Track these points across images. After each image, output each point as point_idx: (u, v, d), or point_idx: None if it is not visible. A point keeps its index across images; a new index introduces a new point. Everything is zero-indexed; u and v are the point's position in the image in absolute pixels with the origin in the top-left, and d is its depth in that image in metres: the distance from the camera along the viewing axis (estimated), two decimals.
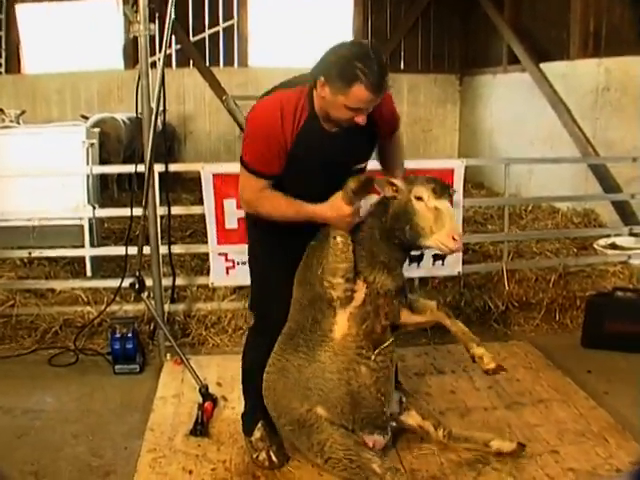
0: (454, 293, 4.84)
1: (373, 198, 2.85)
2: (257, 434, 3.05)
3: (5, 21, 9.99)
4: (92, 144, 5.15)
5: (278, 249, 2.97)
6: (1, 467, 2.94)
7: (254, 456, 3.01)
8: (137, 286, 3.92)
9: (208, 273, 4.63)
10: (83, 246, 4.93)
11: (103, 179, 6.80)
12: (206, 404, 3.44)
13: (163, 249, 4.36)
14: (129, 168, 4.56)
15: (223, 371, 3.99)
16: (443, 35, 10.89)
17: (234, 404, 3.56)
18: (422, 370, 4.02)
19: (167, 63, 9.36)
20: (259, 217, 2.89)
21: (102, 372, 4.10)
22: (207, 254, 4.62)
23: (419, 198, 2.64)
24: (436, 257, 4.67)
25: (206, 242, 4.56)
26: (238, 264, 4.51)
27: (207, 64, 10.48)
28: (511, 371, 3.98)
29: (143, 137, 3.92)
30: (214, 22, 10.48)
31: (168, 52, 4.54)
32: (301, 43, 10.42)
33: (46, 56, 10.30)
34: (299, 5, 10.66)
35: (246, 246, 4.43)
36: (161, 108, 3.89)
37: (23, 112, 7.73)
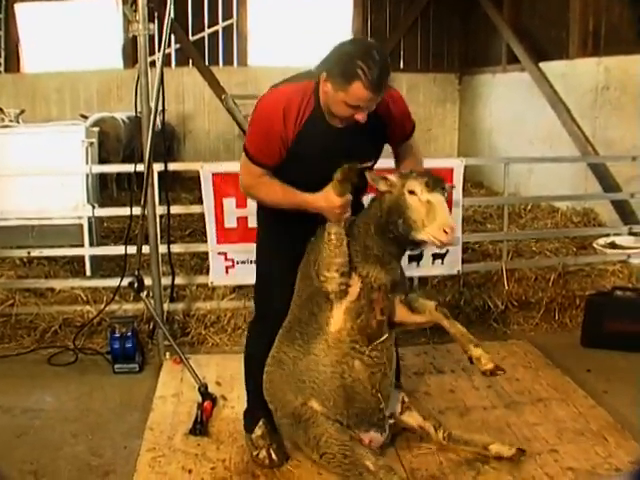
0: (453, 292, 4.84)
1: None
2: (258, 432, 3.06)
3: (4, 20, 9.98)
4: (91, 143, 5.15)
5: (284, 241, 3.00)
6: (0, 466, 2.94)
7: (254, 454, 3.02)
8: (136, 285, 3.92)
9: (207, 272, 4.63)
10: (82, 245, 4.93)
11: (102, 178, 6.80)
12: (205, 403, 3.44)
13: (162, 248, 4.37)
14: (128, 167, 4.56)
15: (222, 370, 3.99)
16: (442, 34, 10.89)
17: (233, 403, 3.57)
18: (421, 369, 4.02)
19: (166, 62, 9.37)
20: (268, 208, 2.95)
21: (101, 371, 4.10)
22: (206, 253, 4.62)
23: (412, 192, 2.64)
24: (435, 256, 4.68)
25: (205, 241, 4.56)
26: (237, 263, 4.51)
27: (206, 63, 10.47)
28: (510, 370, 3.98)
29: (142, 136, 3.93)
30: (213, 21, 10.48)
31: (167, 51, 4.54)
32: (300, 42, 10.42)
33: (45, 55, 10.29)
34: (298, 4, 10.66)
35: (245, 245, 4.46)
36: (160, 107, 3.89)
37: (22, 111, 7.73)
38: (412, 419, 3.06)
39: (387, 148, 3.01)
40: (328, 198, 2.68)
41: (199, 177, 4.41)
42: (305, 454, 2.94)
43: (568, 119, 7.37)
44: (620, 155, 6.36)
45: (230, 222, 4.46)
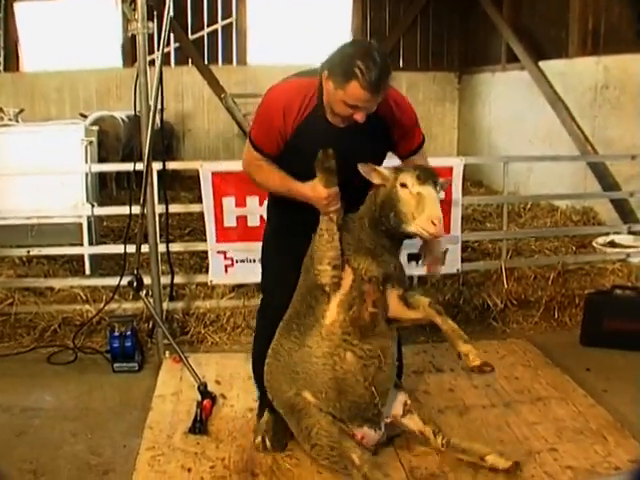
0: (453, 291, 4.84)
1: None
2: (264, 418, 3.16)
3: (4, 19, 9.98)
4: (91, 142, 5.15)
5: (288, 235, 3.05)
6: (0, 465, 2.93)
7: (253, 438, 3.11)
8: (135, 284, 3.92)
9: (207, 271, 4.63)
10: (82, 244, 4.94)
11: (102, 177, 6.80)
12: (205, 402, 3.44)
13: (162, 247, 4.37)
14: (128, 166, 4.56)
15: (222, 369, 3.99)
16: (442, 33, 10.90)
17: (233, 402, 3.57)
18: (421, 368, 4.02)
19: (165, 61, 9.39)
20: (278, 205, 3.09)
21: (101, 370, 4.10)
22: (206, 252, 4.62)
23: (404, 185, 2.67)
24: None
25: (205, 240, 4.56)
26: (237, 262, 4.51)
27: (206, 62, 10.47)
28: (510, 369, 3.99)
29: (142, 135, 3.92)
30: (213, 20, 10.48)
31: (166, 50, 4.54)
32: (300, 41, 10.43)
33: (45, 54, 10.30)
34: (298, 2, 10.65)
35: (245, 244, 4.47)
36: (159, 106, 3.89)
37: (22, 110, 7.73)
38: (413, 423, 3.05)
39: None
40: (315, 189, 2.74)
41: (198, 176, 4.41)
42: (301, 446, 2.97)
43: (567, 118, 7.37)
44: (619, 154, 6.35)
45: (229, 221, 4.46)
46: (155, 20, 3.94)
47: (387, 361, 2.89)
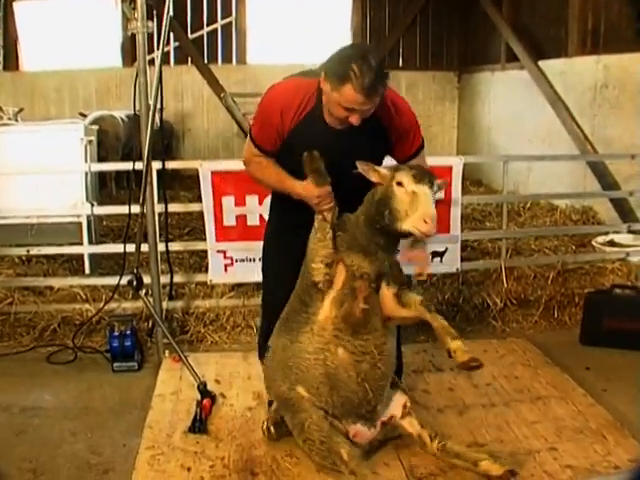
0: (452, 290, 4.84)
1: None
2: (274, 406, 3.18)
3: (3, 18, 9.98)
4: (90, 141, 5.15)
5: (289, 235, 3.07)
6: (0, 464, 2.94)
7: (261, 425, 3.18)
8: (135, 283, 3.92)
9: (206, 270, 4.63)
10: (81, 244, 4.93)
11: (101, 177, 6.79)
12: (204, 401, 3.44)
13: (161, 246, 4.37)
14: (127, 165, 4.56)
15: (221, 368, 3.99)
16: (442, 32, 10.89)
17: (232, 401, 3.57)
18: (420, 367, 4.02)
19: (165, 60, 9.39)
20: (276, 198, 3.16)
21: (100, 370, 4.10)
22: (205, 251, 4.62)
23: (399, 183, 2.69)
24: (434, 254, 4.67)
25: (204, 239, 4.56)
26: (236, 261, 4.51)
27: (205, 61, 10.47)
28: (509, 368, 4.00)
29: (141, 134, 3.92)
30: (212, 19, 10.47)
31: (166, 49, 4.54)
32: (300, 40, 10.42)
33: (44, 53, 10.29)
34: (297, 2, 10.65)
35: (244, 243, 4.48)
36: (159, 105, 3.89)
37: (21, 110, 7.73)
38: (411, 426, 3.04)
39: None
40: (306, 187, 2.79)
41: (198, 175, 4.41)
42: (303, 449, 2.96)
43: (567, 117, 7.37)
44: (619, 153, 6.35)
45: (229, 220, 4.46)
46: (155, 19, 3.94)
47: (382, 358, 2.88)
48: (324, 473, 2.86)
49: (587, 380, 3.88)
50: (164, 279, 4.45)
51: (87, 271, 4.97)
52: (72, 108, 9.70)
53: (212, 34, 10.51)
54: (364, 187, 2.84)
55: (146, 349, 4.32)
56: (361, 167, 2.76)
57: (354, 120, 2.69)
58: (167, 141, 9.35)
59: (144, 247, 4.08)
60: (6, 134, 5.35)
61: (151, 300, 4.10)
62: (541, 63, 8.05)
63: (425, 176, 2.69)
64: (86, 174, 4.97)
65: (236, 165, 3.86)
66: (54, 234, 5.01)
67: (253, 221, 4.43)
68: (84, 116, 7.89)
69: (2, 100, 8.67)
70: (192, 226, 6.31)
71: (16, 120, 7.38)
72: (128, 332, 4.09)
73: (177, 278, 4.69)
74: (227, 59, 10.64)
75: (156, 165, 4.28)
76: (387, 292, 2.87)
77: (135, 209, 4.01)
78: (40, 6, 10.15)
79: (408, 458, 3.01)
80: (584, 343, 4.49)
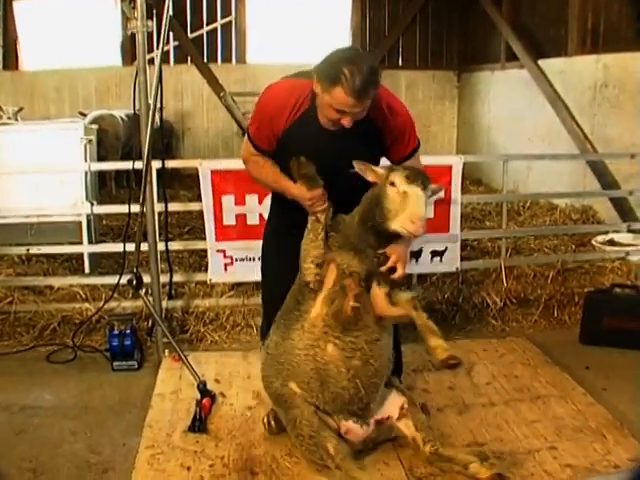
0: (452, 289, 4.84)
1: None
2: None
3: (3, 17, 9.97)
4: (90, 141, 5.15)
5: (288, 235, 3.06)
6: None
7: (262, 418, 3.24)
8: (135, 283, 3.92)
9: (206, 269, 4.63)
10: (81, 243, 4.93)
11: (101, 176, 6.79)
12: (204, 400, 3.44)
13: (161, 246, 4.36)
14: (127, 165, 4.55)
15: (221, 367, 3.99)
16: (441, 32, 10.89)
17: (232, 400, 3.57)
18: (420, 366, 4.01)
19: (165, 60, 9.38)
20: (276, 198, 3.18)
21: (100, 369, 4.10)
22: (205, 251, 4.62)
23: (392, 183, 2.73)
24: (434, 253, 4.68)
25: (204, 239, 4.56)
26: (236, 260, 4.51)
27: (205, 60, 10.47)
28: (509, 367, 4.00)
29: (141, 134, 3.92)
30: (212, 18, 10.47)
31: (166, 49, 4.54)
32: (299, 39, 10.41)
33: (44, 53, 10.28)
34: (297, 1, 10.64)
35: (244, 243, 4.48)
36: (159, 105, 3.89)
37: (21, 109, 7.72)
38: (406, 428, 3.03)
39: None
40: (300, 188, 2.82)
41: (198, 174, 4.41)
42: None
43: (567, 116, 7.37)
44: (619, 153, 6.36)
45: (229, 219, 4.46)
46: (154, 18, 3.94)
47: (374, 355, 2.88)
48: (324, 473, 2.86)
49: (587, 379, 3.88)
50: (164, 278, 4.45)
51: (87, 270, 4.97)
52: (72, 107, 9.70)
53: (212, 33, 10.50)
54: (359, 188, 2.86)
55: (146, 348, 4.32)
56: (358, 166, 2.79)
57: (346, 122, 2.71)
58: (167, 140, 9.35)
59: (144, 246, 4.08)
60: (6, 133, 5.35)
61: (151, 299, 4.10)
62: (541, 62, 8.05)
63: (418, 177, 2.72)
64: (86, 173, 4.97)
65: (236, 164, 3.85)
66: (54, 233, 5.01)
67: (253, 220, 4.43)
68: (84, 115, 7.88)
69: (2, 99, 8.67)
70: (192, 225, 6.32)
71: (16, 119, 7.37)
72: (128, 331, 4.09)
73: (177, 277, 4.69)
74: (227, 58, 10.64)
75: (156, 164, 4.28)
76: (378, 291, 2.89)
77: (135, 208, 4.01)
78: (40, 5, 10.14)
79: (408, 458, 3.02)
80: (584, 342, 4.49)
